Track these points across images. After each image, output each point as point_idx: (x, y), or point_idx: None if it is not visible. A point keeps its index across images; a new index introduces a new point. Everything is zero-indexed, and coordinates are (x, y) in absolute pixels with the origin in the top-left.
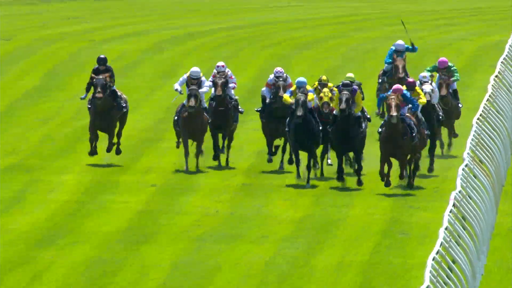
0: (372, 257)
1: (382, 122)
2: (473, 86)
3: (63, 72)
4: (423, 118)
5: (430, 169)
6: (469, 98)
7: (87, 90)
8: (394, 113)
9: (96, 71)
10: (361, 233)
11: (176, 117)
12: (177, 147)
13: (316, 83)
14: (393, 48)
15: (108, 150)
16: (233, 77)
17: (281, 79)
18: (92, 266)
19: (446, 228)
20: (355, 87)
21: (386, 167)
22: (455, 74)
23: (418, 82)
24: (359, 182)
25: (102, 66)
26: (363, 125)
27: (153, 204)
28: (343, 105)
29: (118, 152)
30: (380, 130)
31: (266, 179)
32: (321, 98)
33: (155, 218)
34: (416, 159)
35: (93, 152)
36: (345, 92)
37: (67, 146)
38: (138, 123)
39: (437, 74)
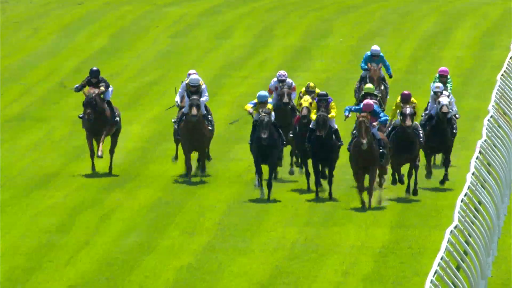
0: (408, 199)
1: (352, 139)
2: (498, 45)
3: (128, 34)
4: (419, 127)
5: (444, 179)
6: (494, 57)
7: (78, 88)
8: (364, 140)
9: (88, 82)
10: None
11: (176, 126)
12: (174, 159)
13: (303, 89)
14: (369, 53)
15: (99, 155)
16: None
17: (285, 85)
18: (155, 207)
19: (473, 174)
20: (330, 98)
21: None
22: (448, 84)
23: (431, 93)
24: (330, 195)
25: (94, 78)
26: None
27: (210, 152)
28: (320, 132)
29: (110, 170)
30: (349, 147)
31: None
32: (300, 104)
33: (211, 164)
34: (416, 170)
35: (91, 156)
36: (321, 113)
37: (133, 100)
38: None
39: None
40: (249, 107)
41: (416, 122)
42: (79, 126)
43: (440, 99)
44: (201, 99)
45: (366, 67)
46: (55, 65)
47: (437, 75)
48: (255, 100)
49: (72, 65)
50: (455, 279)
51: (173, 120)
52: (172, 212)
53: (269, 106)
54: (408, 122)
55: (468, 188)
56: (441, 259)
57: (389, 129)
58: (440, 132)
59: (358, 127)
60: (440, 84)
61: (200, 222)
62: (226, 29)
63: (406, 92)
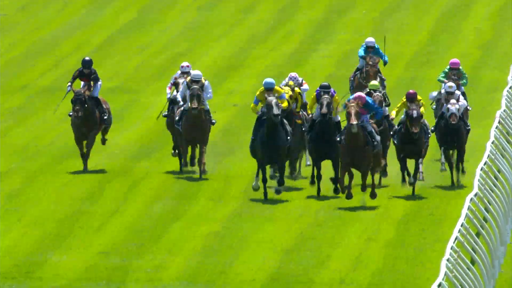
0: (428, 166)
1: (342, 130)
2: None
3: (156, 7)
4: (427, 123)
5: (463, 172)
6: None
7: (69, 86)
8: (354, 122)
9: (80, 73)
10: None
11: (177, 117)
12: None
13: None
14: (364, 45)
15: (86, 156)
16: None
17: (295, 82)
18: (182, 176)
19: (492, 142)
20: (333, 90)
21: (347, 179)
22: (464, 77)
23: (442, 91)
24: (336, 191)
25: (87, 69)
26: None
27: (236, 122)
28: (324, 109)
29: (86, 161)
30: (339, 138)
31: None
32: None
33: (237, 134)
34: (420, 164)
35: (82, 157)
36: (325, 96)
37: (160, 71)
38: (223, 52)
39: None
40: (256, 108)
41: (424, 120)
42: (110, 96)
43: (449, 106)
44: (206, 93)
45: (363, 54)
46: (85, 38)
47: (448, 67)
48: (257, 93)
49: (101, 38)
50: (475, 245)
51: (163, 114)
52: (199, 180)
53: (285, 103)
54: (415, 129)
55: (488, 156)
56: (462, 226)
57: (395, 127)
58: (454, 130)
59: (348, 111)
60: (453, 84)
61: (227, 191)
62: (251, 3)
63: (411, 91)
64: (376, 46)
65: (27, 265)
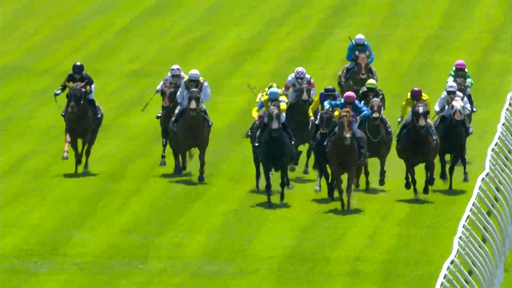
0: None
1: (330, 134)
2: None
3: None
4: (433, 125)
5: (465, 179)
6: None
7: (61, 90)
8: (347, 135)
9: (71, 79)
10: None
11: (173, 119)
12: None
13: (267, 89)
14: (354, 42)
15: (87, 153)
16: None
17: (304, 81)
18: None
19: (503, 124)
20: (337, 94)
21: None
22: (468, 79)
23: (444, 93)
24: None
25: (78, 74)
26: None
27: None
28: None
29: (86, 167)
30: (326, 143)
31: None
32: (260, 101)
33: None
34: (431, 169)
35: (78, 160)
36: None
37: (180, 55)
38: (241, 36)
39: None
40: (256, 114)
41: (430, 121)
42: (132, 79)
43: (454, 103)
44: (204, 94)
45: (352, 57)
46: (107, 23)
47: (454, 68)
48: (263, 99)
49: (123, 22)
50: (486, 224)
51: (157, 116)
52: (218, 160)
53: (283, 106)
54: (422, 122)
55: (499, 138)
56: (473, 205)
57: (400, 127)
58: (454, 134)
59: (340, 122)
60: (454, 84)
61: (245, 171)
62: None
63: (416, 88)
64: (366, 44)
65: (52, 243)
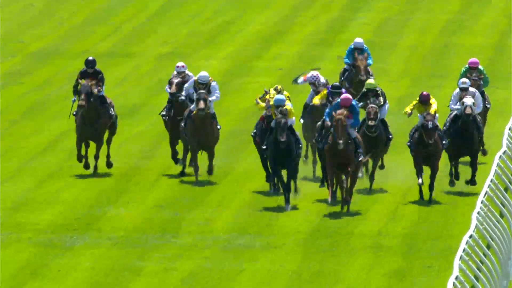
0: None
1: (325, 137)
2: None
3: None
4: (438, 125)
5: (472, 181)
6: None
7: (74, 93)
8: (340, 141)
9: (83, 74)
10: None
11: (183, 124)
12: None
13: (271, 89)
14: (352, 46)
15: (96, 157)
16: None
17: (320, 85)
18: (231, 135)
19: None
20: (344, 90)
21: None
22: (485, 79)
23: (457, 90)
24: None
25: (91, 69)
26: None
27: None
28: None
29: (109, 165)
30: (322, 146)
31: None
32: (267, 101)
33: None
34: (434, 171)
35: (86, 165)
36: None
37: (210, 38)
38: (268, 19)
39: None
40: (263, 108)
41: (437, 124)
42: (164, 61)
43: (465, 99)
44: (211, 98)
45: (349, 61)
46: (140, 6)
47: (467, 66)
48: (271, 103)
49: (155, 6)
50: (503, 199)
51: (161, 114)
52: (247, 139)
53: (291, 110)
54: (431, 140)
55: None
56: (491, 181)
57: (411, 130)
58: (466, 135)
59: (335, 126)
60: (466, 80)
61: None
62: None
63: (425, 92)
64: (365, 47)
65: (87, 218)
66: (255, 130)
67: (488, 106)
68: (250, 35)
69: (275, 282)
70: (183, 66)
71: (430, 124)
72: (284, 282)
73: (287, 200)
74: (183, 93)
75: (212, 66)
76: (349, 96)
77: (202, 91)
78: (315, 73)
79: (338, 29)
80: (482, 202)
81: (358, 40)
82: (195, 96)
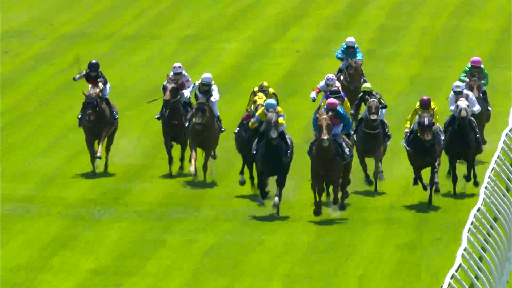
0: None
1: (312, 142)
2: None
3: None
4: (439, 129)
5: (468, 177)
6: None
7: (79, 77)
8: (325, 136)
9: (86, 77)
10: None
11: (187, 124)
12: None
13: (256, 88)
14: (345, 45)
15: (99, 157)
16: (189, 79)
17: (334, 88)
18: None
19: None
20: (344, 94)
21: (317, 195)
22: (485, 79)
23: (451, 94)
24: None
25: (94, 72)
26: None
27: (298, 66)
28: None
29: (105, 168)
30: (309, 152)
31: None
32: (255, 102)
33: (300, 76)
34: (434, 172)
35: (94, 171)
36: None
37: (231, 21)
38: (286, 3)
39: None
40: (254, 124)
41: (438, 124)
42: (187, 43)
43: (459, 102)
44: (212, 98)
45: (340, 56)
46: None
47: (469, 65)
48: (258, 112)
49: None
50: (510, 174)
51: (156, 116)
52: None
53: (282, 121)
54: (428, 137)
55: None
56: (498, 157)
57: (408, 131)
58: (462, 137)
59: (319, 125)
60: (460, 83)
61: (290, 128)
62: None
63: (425, 97)
64: (356, 46)
65: (114, 192)
66: (238, 129)
67: (490, 109)
68: (269, 18)
69: (293, 254)
70: (179, 67)
71: (426, 121)
72: (301, 254)
73: (276, 206)
74: (187, 95)
75: (233, 48)
76: (335, 100)
77: (202, 100)
78: (331, 75)
79: (353, 13)
80: (489, 177)
81: (350, 39)
82: (195, 105)
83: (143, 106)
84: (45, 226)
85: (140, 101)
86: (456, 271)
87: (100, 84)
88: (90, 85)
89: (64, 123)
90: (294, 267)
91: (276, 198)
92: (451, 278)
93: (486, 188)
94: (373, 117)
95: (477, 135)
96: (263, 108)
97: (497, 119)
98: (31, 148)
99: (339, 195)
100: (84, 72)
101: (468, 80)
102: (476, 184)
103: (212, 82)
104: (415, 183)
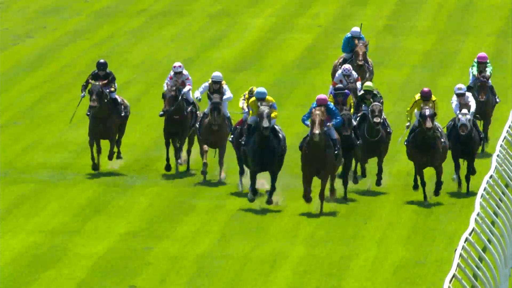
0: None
1: (303, 138)
2: None
3: None
4: (441, 127)
5: (468, 175)
6: None
7: (83, 89)
8: (316, 131)
9: (95, 76)
10: None
11: (197, 125)
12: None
13: (247, 93)
14: (349, 35)
15: (110, 157)
16: (189, 78)
17: (351, 80)
18: (275, 85)
19: None
20: (347, 91)
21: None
22: (488, 69)
23: (454, 97)
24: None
25: (102, 71)
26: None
27: (320, 40)
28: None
29: (118, 157)
30: (301, 145)
31: None
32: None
33: (321, 50)
34: (439, 173)
35: (95, 167)
36: (346, 112)
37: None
38: None
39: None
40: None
41: (437, 123)
42: (214, 19)
43: (460, 116)
44: (224, 97)
45: (348, 49)
46: None
47: (476, 61)
48: (251, 100)
49: None
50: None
51: (160, 114)
52: (289, 88)
53: (275, 112)
54: (429, 124)
55: None
56: (509, 127)
57: (408, 132)
58: (465, 139)
59: (312, 120)
60: (462, 86)
61: (312, 99)
62: None
63: (426, 89)
64: (361, 36)
65: (146, 160)
66: (232, 136)
67: (498, 100)
68: None
69: (314, 218)
70: (180, 66)
71: (427, 111)
72: (322, 218)
73: (269, 201)
74: (198, 96)
75: (257, 23)
76: (325, 96)
77: (216, 100)
78: (347, 66)
79: None
80: (501, 145)
81: (355, 29)
82: (209, 105)
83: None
84: (80, 192)
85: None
86: (470, 234)
87: (113, 85)
88: (99, 81)
89: None
90: (315, 231)
91: (274, 198)
92: (464, 242)
93: (498, 156)
94: (377, 120)
95: (481, 135)
96: (254, 98)
97: (509, 90)
98: (67, 118)
99: (327, 191)
100: (89, 77)
101: (478, 74)
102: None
103: (223, 82)
104: (415, 188)
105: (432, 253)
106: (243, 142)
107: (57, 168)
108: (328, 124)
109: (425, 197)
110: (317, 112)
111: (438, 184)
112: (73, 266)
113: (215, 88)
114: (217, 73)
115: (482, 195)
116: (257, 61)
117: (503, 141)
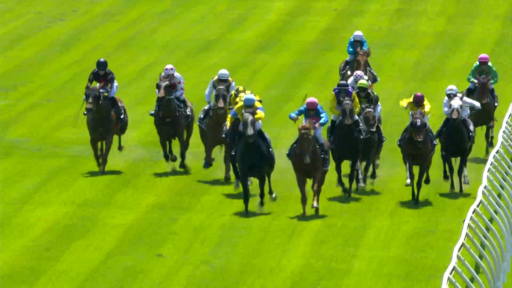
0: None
1: (291, 146)
2: None
3: None
4: (430, 128)
5: (465, 182)
6: None
7: (86, 90)
8: (307, 156)
9: (95, 75)
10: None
11: (201, 115)
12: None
13: (233, 93)
14: (352, 39)
15: (104, 161)
16: (182, 81)
17: (347, 100)
18: (291, 67)
19: None
20: (351, 88)
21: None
22: (494, 78)
23: (446, 99)
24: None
25: (102, 70)
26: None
27: (336, 23)
28: (348, 120)
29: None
30: (289, 153)
31: None
32: (236, 103)
33: (337, 32)
34: (426, 167)
35: (99, 165)
36: (347, 102)
37: None
38: None
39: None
40: (231, 119)
41: (427, 123)
42: (237, 2)
43: (452, 102)
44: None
45: (353, 50)
46: None
47: (477, 62)
48: (238, 106)
49: None
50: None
51: (150, 113)
52: (307, 69)
53: (260, 114)
54: (419, 137)
55: None
56: (509, 117)
57: (402, 131)
58: (456, 137)
59: (301, 140)
60: (453, 87)
61: (329, 79)
62: None
63: (419, 94)
64: (363, 40)
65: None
66: (225, 133)
67: (497, 104)
68: None
69: (330, 192)
70: (171, 69)
71: (418, 122)
72: (339, 192)
73: (260, 203)
74: (206, 92)
75: (276, 6)
76: (315, 99)
77: (221, 87)
78: (359, 72)
79: None
80: (507, 122)
81: (358, 33)
82: (214, 93)
83: (195, 58)
84: (109, 166)
85: (194, 54)
86: (477, 206)
87: (109, 84)
88: (98, 84)
89: (128, 73)
90: (331, 204)
91: (272, 195)
92: (472, 213)
93: (504, 132)
94: (373, 129)
95: (470, 134)
96: (241, 103)
97: (502, 99)
98: None
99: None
100: (90, 76)
101: (476, 81)
102: (466, 182)
103: (230, 79)
104: (409, 182)
105: (442, 224)
106: (233, 152)
107: (88, 143)
108: (315, 125)
109: (415, 198)
110: (304, 131)
111: (426, 179)
112: (102, 236)
113: (221, 85)
114: (223, 71)
115: (489, 169)
116: (277, 43)
117: (509, 117)
